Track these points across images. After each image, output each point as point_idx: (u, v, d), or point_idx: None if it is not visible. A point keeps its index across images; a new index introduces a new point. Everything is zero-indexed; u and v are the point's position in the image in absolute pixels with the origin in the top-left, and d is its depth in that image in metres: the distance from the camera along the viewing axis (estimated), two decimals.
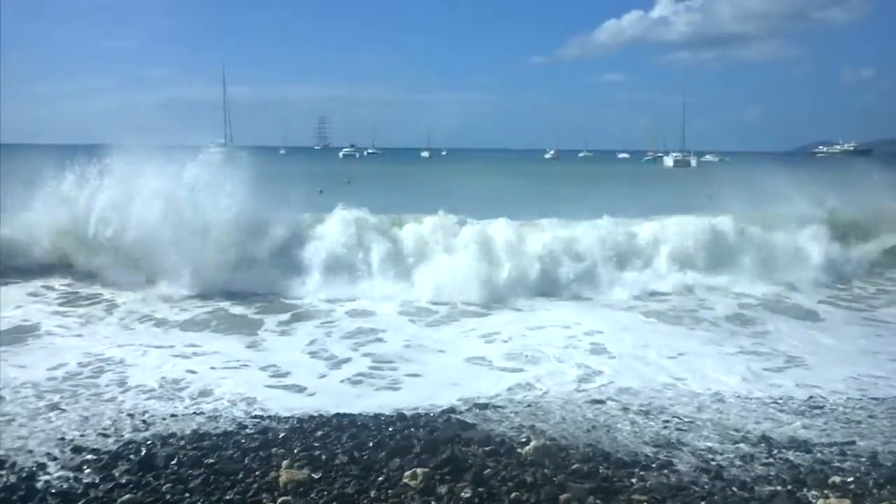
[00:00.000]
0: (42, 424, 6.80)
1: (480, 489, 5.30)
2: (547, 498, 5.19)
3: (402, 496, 5.26)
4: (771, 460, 6.17)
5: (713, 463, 6.08)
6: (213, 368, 8.88)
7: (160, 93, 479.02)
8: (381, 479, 5.55)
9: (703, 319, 12.16)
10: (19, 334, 10.25)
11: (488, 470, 5.64)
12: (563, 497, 5.18)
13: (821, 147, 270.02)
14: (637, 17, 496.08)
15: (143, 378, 8.35)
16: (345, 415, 7.29)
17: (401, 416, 7.24)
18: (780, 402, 7.99)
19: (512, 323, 11.75)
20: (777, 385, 8.63)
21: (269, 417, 7.26)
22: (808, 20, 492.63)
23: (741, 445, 6.55)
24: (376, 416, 7.25)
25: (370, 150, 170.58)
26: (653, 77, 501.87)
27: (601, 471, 5.72)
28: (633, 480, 5.59)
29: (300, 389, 8.28)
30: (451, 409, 7.54)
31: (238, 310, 12.22)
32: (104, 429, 6.76)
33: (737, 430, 6.98)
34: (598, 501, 5.11)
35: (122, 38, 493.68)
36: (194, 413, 7.31)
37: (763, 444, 6.55)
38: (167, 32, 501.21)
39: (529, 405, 7.74)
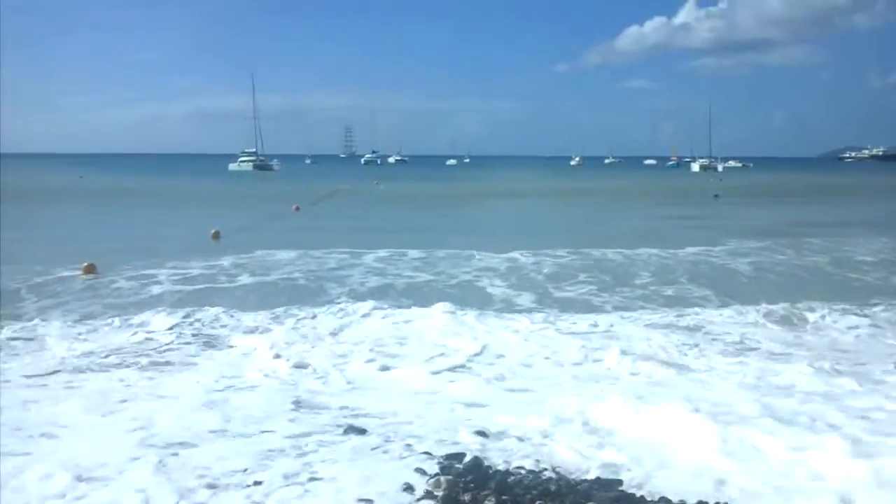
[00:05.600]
0: None
1: (504, 497, 5.38)
2: None
3: None
4: None
5: None
6: None
7: (188, 102, 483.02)
8: None
9: None
10: None
11: (512, 478, 5.74)
12: None
13: (848, 152, 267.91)
14: (660, 23, 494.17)
15: None
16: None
17: None
18: None
19: None
20: None
21: None
22: (833, 26, 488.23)
23: None
24: None
25: (397, 157, 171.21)
26: (677, 83, 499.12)
27: (625, 480, 5.79)
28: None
29: None
30: None
31: None
32: None
33: None
34: None
35: (149, 50, 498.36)
36: None
37: None
38: (192, 44, 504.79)
39: None
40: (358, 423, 6.98)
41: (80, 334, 10.81)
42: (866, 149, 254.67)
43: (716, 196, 49.54)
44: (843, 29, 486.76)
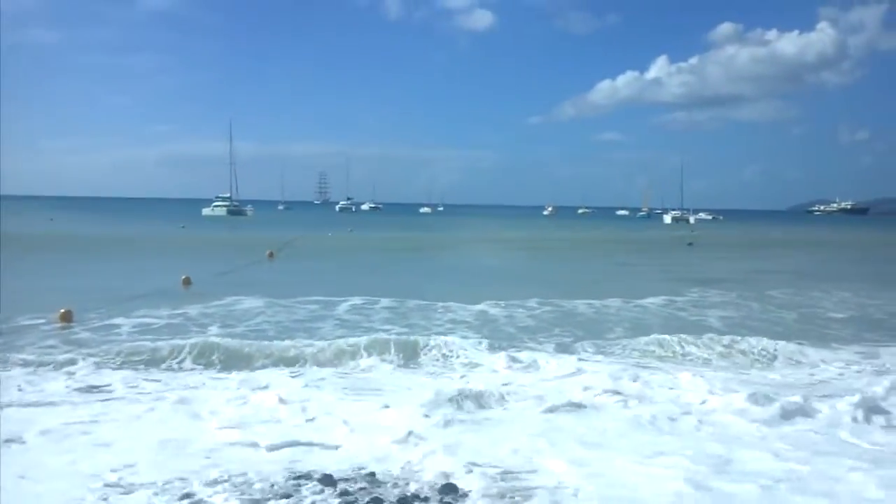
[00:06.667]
0: None
1: None
2: None
3: None
4: None
5: None
6: None
7: (164, 147, 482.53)
8: None
9: None
10: None
11: None
12: None
13: (817, 205, 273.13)
14: (632, 77, 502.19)
15: None
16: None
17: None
18: None
19: None
20: None
21: None
22: (802, 82, 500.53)
23: None
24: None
25: (371, 205, 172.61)
26: (650, 136, 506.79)
27: None
28: None
29: None
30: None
31: None
32: None
33: None
34: None
35: (126, 94, 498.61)
36: None
37: None
38: (170, 89, 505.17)
39: None
40: (325, 471, 7.02)
41: (35, 380, 10.73)
42: (835, 202, 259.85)
43: (689, 244, 52.27)
44: (813, 85, 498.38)
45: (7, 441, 7.81)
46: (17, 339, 13.93)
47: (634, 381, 10.94)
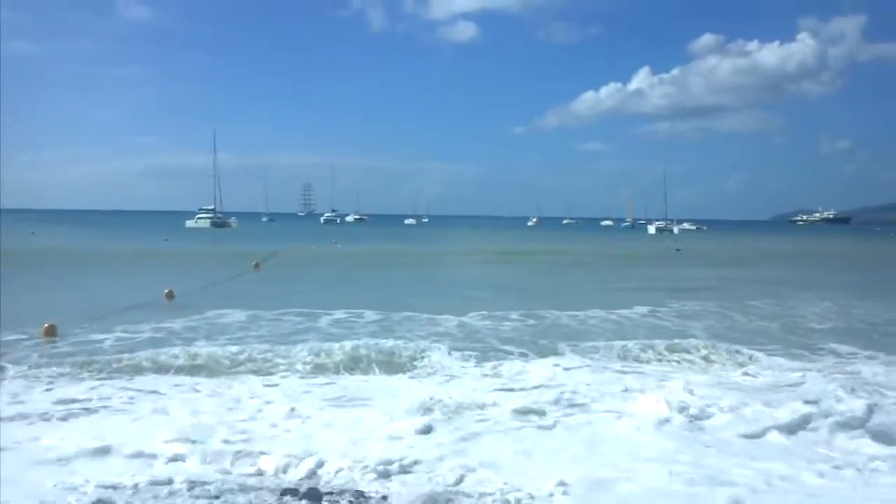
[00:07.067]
0: None
1: None
2: None
3: None
4: None
5: None
6: None
7: (148, 159, 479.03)
8: None
9: None
10: None
11: None
12: None
13: (800, 215, 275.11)
14: (615, 89, 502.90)
15: None
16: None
17: None
18: None
19: None
20: None
21: None
22: (783, 93, 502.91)
23: None
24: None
25: (356, 216, 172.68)
26: (633, 146, 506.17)
27: None
28: None
29: None
30: None
31: None
32: None
33: None
34: None
35: (109, 106, 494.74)
36: None
37: None
38: (153, 100, 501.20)
39: None
40: (310, 486, 7.07)
41: (18, 394, 10.68)
42: (817, 212, 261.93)
43: (677, 250, 53.95)
44: (794, 96, 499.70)
45: None
46: (1, 355, 13.86)
47: (614, 389, 11.08)
